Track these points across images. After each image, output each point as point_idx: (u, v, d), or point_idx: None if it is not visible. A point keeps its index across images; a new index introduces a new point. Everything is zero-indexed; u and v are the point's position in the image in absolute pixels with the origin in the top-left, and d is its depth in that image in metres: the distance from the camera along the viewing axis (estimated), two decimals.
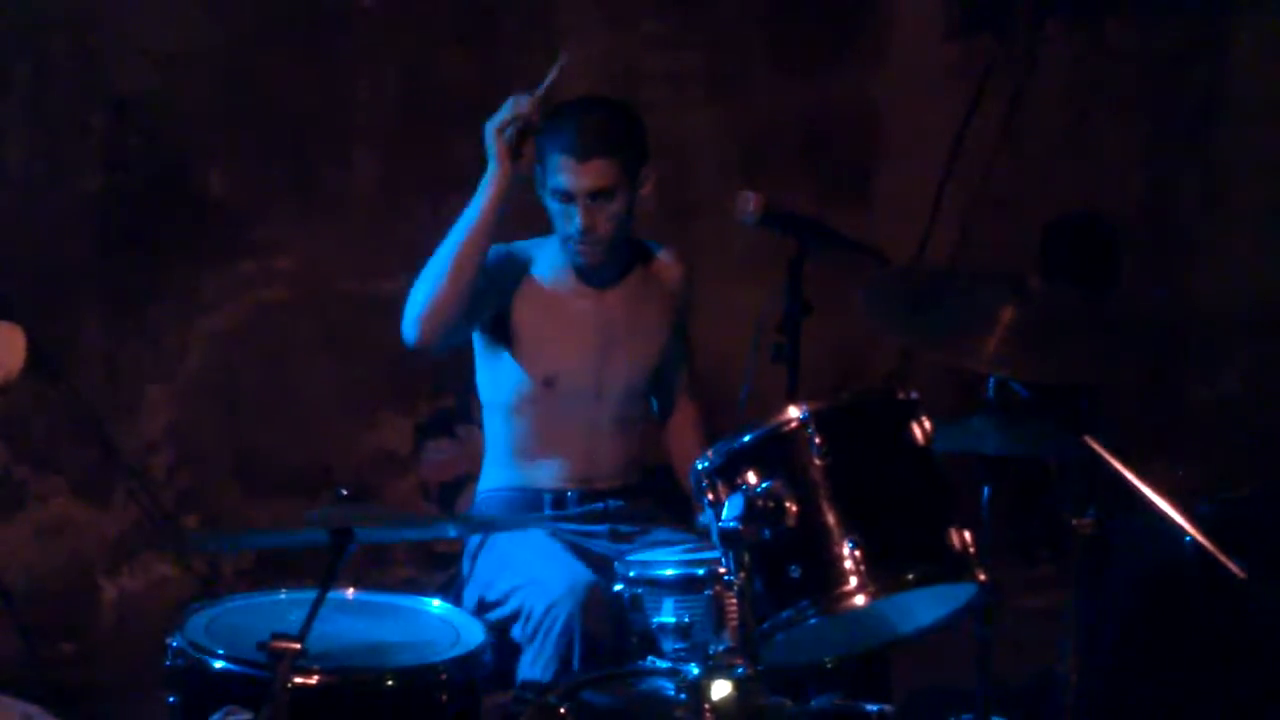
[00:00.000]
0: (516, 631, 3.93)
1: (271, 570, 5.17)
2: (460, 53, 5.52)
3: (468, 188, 5.46)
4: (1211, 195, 6.27)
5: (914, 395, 3.43)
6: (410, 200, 5.47)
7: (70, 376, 5.13)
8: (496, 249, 4.15)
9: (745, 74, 5.85)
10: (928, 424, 3.40)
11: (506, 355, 4.19)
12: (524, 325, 4.18)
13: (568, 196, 4.09)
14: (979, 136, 5.99)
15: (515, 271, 4.20)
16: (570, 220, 4.10)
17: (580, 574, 3.92)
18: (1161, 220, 6.24)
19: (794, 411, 3.34)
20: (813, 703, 3.66)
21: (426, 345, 4.08)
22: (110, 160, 5.21)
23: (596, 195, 4.08)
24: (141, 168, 5.24)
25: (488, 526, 4.14)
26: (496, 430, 4.28)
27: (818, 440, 3.30)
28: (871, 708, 3.60)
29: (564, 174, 4.07)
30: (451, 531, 4.34)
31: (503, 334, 4.19)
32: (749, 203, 3.88)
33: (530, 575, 3.96)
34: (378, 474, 5.24)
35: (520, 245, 4.24)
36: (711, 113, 5.80)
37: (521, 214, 4.18)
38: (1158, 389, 6.10)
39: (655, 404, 4.41)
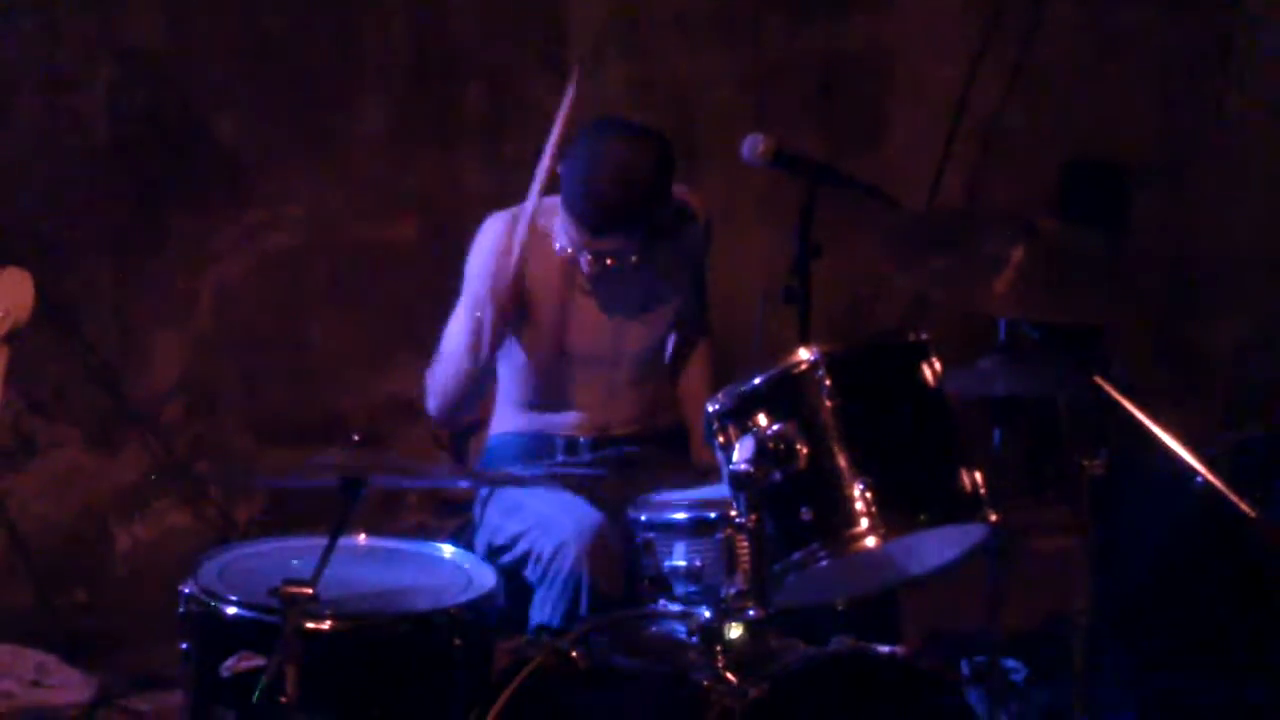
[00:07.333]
0: (529, 574, 3.93)
1: (284, 518, 5.18)
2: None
3: (477, 135, 5.50)
4: (1224, 138, 6.24)
5: (924, 337, 3.40)
6: (420, 147, 5.45)
7: (81, 325, 5.14)
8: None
9: (755, 17, 5.81)
10: (938, 365, 3.38)
11: (521, 326, 4.11)
12: (539, 301, 4.09)
13: (577, 246, 4.00)
14: (991, 79, 5.96)
15: (533, 247, 4.04)
16: (579, 257, 4.02)
17: (588, 515, 3.90)
18: (1174, 163, 6.21)
19: (805, 354, 3.31)
20: (824, 645, 3.62)
21: (449, 427, 4.17)
22: (119, 109, 5.19)
23: (606, 254, 4.00)
24: (150, 117, 5.23)
25: (501, 481, 4.09)
26: (509, 381, 4.23)
27: (828, 382, 3.28)
28: (883, 649, 3.54)
29: (575, 235, 3.96)
30: (464, 484, 4.34)
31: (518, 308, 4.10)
32: (758, 144, 3.86)
33: (538, 518, 3.94)
34: (391, 420, 5.25)
35: (541, 210, 4.04)
36: (721, 56, 5.76)
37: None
38: (1167, 331, 6.09)
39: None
